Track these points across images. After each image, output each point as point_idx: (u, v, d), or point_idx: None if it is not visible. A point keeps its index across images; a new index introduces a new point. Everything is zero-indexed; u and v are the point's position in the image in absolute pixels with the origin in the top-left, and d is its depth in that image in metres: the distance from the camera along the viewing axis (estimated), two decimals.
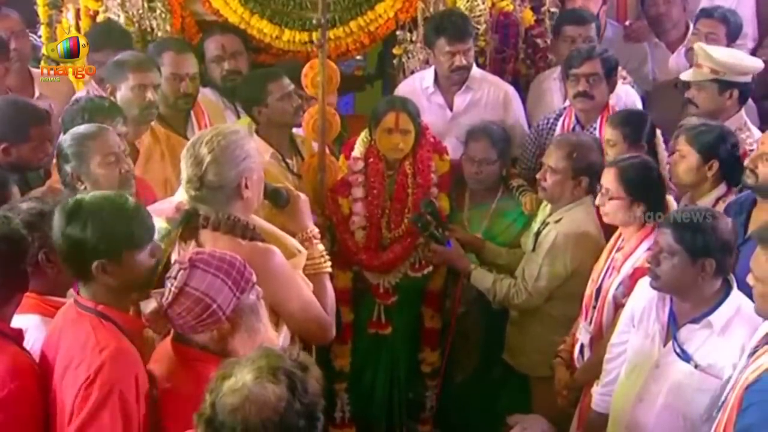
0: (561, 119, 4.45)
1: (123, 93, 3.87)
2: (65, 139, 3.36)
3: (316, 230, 3.23)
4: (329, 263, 3.20)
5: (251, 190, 2.93)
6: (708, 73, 4.22)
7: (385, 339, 4.29)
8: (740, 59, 4.36)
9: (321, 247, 3.21)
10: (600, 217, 3.73)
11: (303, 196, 3.24)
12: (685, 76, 4.39)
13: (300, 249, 3.07)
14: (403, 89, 4.68)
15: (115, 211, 2.56)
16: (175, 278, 2.48)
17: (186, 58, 4.19)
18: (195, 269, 2.49)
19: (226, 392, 2.05)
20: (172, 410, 2.49)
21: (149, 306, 2.53)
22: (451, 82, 4.60)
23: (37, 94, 4.61)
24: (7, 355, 2.51)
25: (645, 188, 3.45)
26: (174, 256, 2.93)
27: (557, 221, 3.90)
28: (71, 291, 2.74)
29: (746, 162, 3.50)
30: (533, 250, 3.96)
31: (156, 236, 2.84)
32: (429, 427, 4.51)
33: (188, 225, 2.91)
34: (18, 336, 2.61)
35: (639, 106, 4.67)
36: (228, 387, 2.05)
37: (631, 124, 4.01)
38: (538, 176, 3.97)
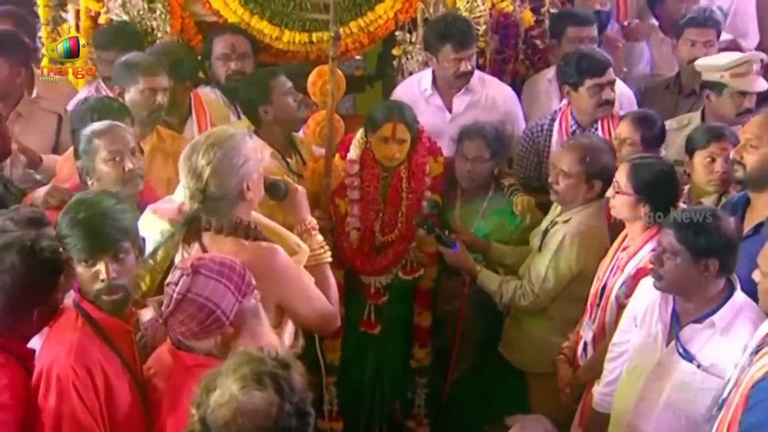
0: (557, 122, 4.46)
1: (132, 95, 3.87)
2: (80, 135, 3.34)
3: (314, 222, 3.23)
4: (329, 253, 3.21)
5: (253, 190, 2.92)
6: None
7: (373, 336, 4.30)
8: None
9: (320, 238, 3.20)
10: (608, 218, 3.74)
11: (301, 188, 3.23)
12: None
13: (301, 245, 3.07)
14: (400, 91, 4.65)
15: (69, 220, 2.59)
16: (176, 284, 2.45)
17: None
18: (197, 275, 2.47)
19: (215, 406, 2.03)
20: (174, 420, 2.48)
21: (146, 315, 2.51)
22: (453, 86, 4.57)
23: (34, 94, 4.49)
24: None
25: (653, 190, 3.44)
26: (177, 259, 2.92)
27: (566, 221, 3.90)
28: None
29: (732, 154, 3.49)
30: (540, 249, 3.96)
31: (159, 238, 2.85)
32: (415, 424, 4.49)
33: (191, 228, 2.89)
34: (24, 356, 2.56)
35: (633, 101, 4.72)
36: (215, 401, 2.04)
37: (651, 126, 4.03)
38: (550, 179, 3.96)
